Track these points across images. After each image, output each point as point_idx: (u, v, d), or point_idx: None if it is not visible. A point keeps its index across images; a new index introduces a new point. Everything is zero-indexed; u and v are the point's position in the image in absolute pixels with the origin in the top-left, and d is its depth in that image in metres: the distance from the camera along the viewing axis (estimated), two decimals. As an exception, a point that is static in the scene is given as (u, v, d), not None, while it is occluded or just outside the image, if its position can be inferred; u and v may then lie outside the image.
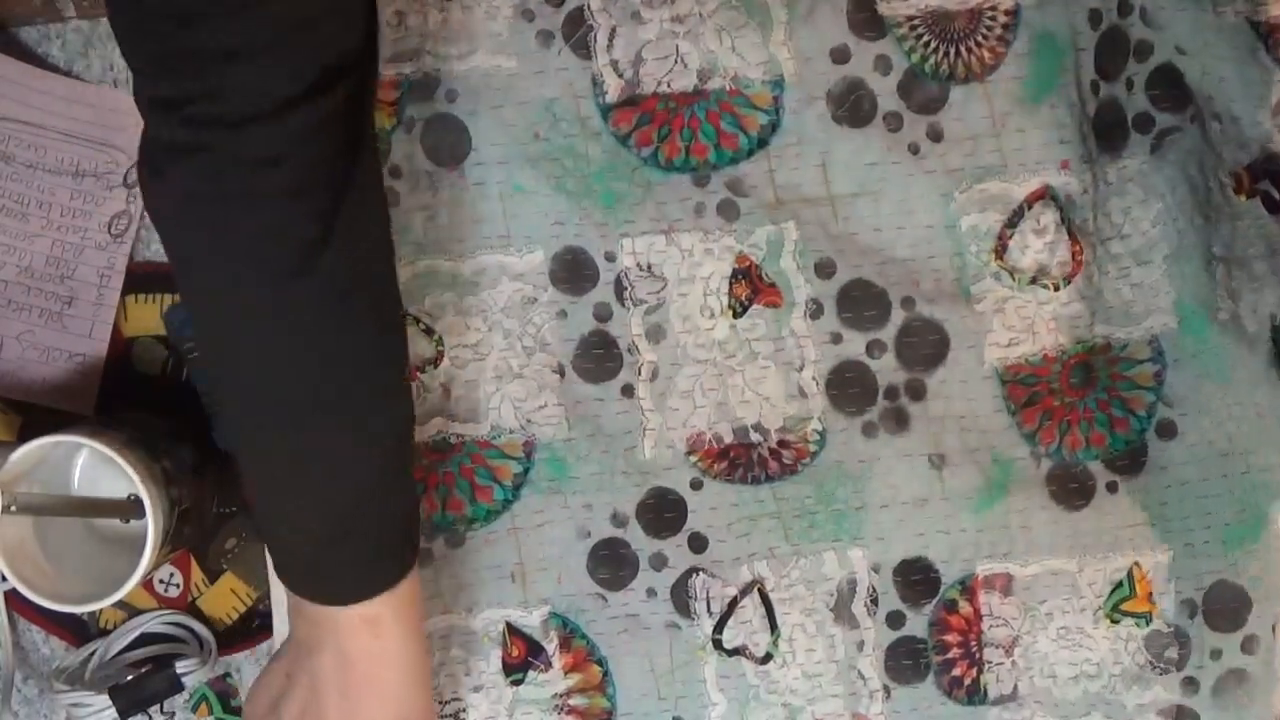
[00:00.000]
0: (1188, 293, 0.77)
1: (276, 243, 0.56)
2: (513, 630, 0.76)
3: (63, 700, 0.73)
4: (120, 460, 0.66)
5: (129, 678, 0.74)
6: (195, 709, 0.77)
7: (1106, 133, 0.76)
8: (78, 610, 0.71)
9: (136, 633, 0.76)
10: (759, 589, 0.77)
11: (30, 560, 0.69)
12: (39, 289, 0.75)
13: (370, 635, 0.63)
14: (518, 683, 0.77)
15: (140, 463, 0.68)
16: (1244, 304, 0.76)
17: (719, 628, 0.77)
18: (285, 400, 0.60)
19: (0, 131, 0.74)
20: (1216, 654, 0.78)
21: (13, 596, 0.75)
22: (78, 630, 0.76)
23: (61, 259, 0.75)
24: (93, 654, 0.75)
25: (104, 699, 0.73)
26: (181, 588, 0.77)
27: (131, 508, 0.71)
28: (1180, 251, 0.77)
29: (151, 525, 0.67)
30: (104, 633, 0.76)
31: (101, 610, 0.76)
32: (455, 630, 0.76)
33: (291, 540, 0.63)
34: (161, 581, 0.77)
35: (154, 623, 0.76)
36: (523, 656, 0.77)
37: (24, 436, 0.72)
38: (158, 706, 0.76)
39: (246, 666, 0.77)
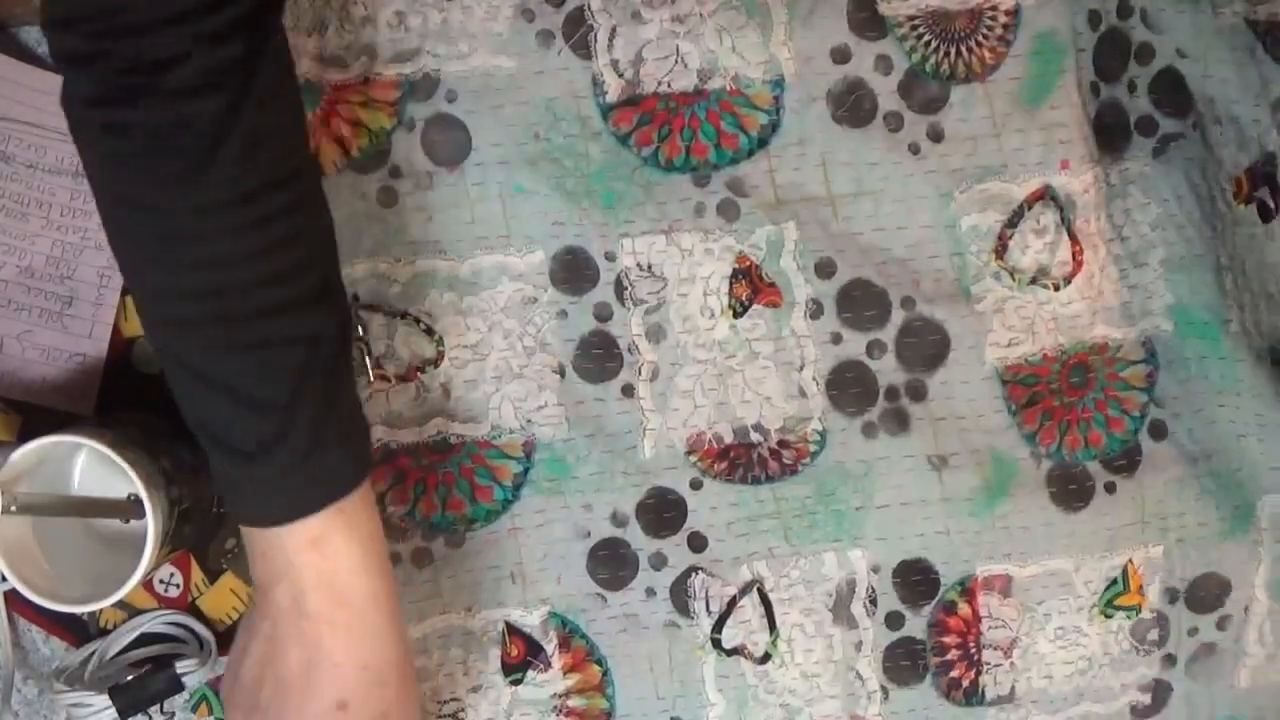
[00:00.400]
0: (1197, 302, 0.78)
1: (172, 143, 0.56)
2: (512, 630, 0.76)
3: (63, 700, 0.73)
4: (120, 460, 0.66)
5: (129, 678, 0.74)
6: (195, 709, 0.77)
7: (1108, 134, 0.77)
8: (78, 610, 0.71)
9: (136, 633, 0.75)
10: (758, 589, 0.77)
11: (30, 560, 0.69)
12: (39, 289, 0.75)
13: (318, 557, 0.61)
14: (517, 682, 0.77)
15: (140, 463, 0.67)
16: (1248, 316, 0.77)
17: (718, 627, 0.77)
18: (188, 310, 0.59)
19: (0, 132, 0.74)
20: (1194, 631, 0.80)
21: (13, 596, 0.75)
22: (78, 630, 0.76)
23: (61, 259, 0.75)
24: (93, 654, 0.75)
25: (104, 699, 0.73)
26: (181, 588, 0.76)
27: (131, 508, 0.70)
28: (1187, 260, 0.77)
29: (151, 525, 0.67)
30: (104, 633, 0.76)
31: (101, 610, 0.76)
32: (454, 630, 0.76)
33: (225, 457, 0.61)
34: (161, 581, 0.76)
35: (154, 623, 0.76)
36: (522, 656, 0.77)
37: (24, 436, 0.72)
38: (158, 706, 0.76)
39: (246, 666, 0.77)
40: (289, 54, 0.62)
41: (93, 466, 0.74)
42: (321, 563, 0.61)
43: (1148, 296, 0.78)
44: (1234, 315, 0.77)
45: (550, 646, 0.77)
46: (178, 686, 0.74)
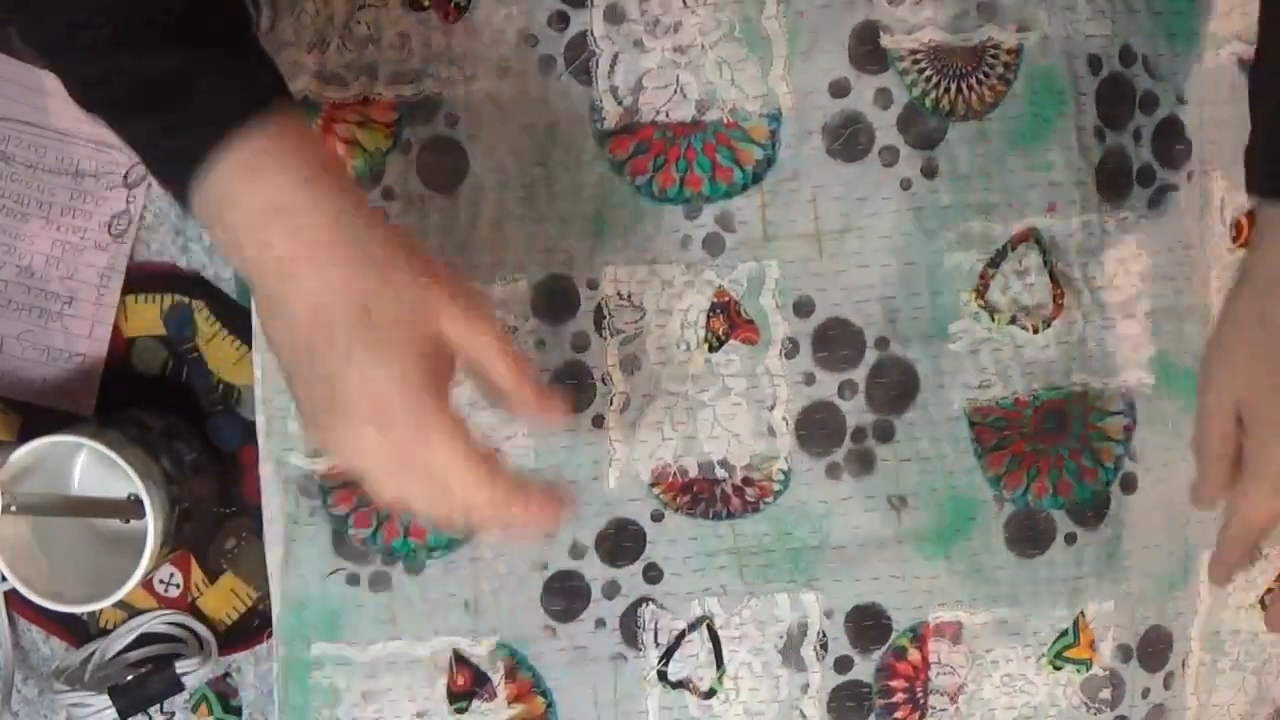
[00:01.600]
0: (1183, 353, 0.77)
1: None
2: (460, 658, 0.76)
3: (63, 700, 0.74)
4: (120, 460, 0.67)
5: (129, 678, 0.75)
6: (195, 709, 0.78)
7: (1110, 181, 0.76)
8: (78, 610, 0.72)
9: (136, 633, 0.76)
10: (708, 625, 0.77)
11: (30, 560, 0.70)
12: (39, 289, 0.75)
13: (252, 183, 0.55)
14: (461, 710, 0.77)
15: (140, 463, 0.68)
16: None
17: (665, 659, 0.77)
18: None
19: (0, 132, 0.74)
20: (1146, 693, 0.80)
21: (13, 596, 0.75)
22: (78, 630, 0.77)
23: (61, 259, 0.75)
24: (93, 654, 0.76)
25: (104, 699, 0.73)
26: (181, 588, 0.77)
27: (131, 508, 0.71)
28: (1177, 311, 0.77)
29: (151, 525, 0.67)
30: (104, 633, 0.77)
31: (101, 610, 0.76)
32: (402, 657, 0.76)
33: (149, 121, 0.55)
34: (161, 581, 0.77)
35: (154, 623, 0.76)
36: (468, 685, 0.77)
37: (24, 436, 0.73)
38: (158, 706, 0.76)
39: (246, 666, 0.78)
40: None
41: (93, 466, 0.74)
42: (271, 191, 0.55)
43: (1134, 348, 0.77)
44: None
45: (496, 676, 0.76)
46: (178, 686, 0.75)
